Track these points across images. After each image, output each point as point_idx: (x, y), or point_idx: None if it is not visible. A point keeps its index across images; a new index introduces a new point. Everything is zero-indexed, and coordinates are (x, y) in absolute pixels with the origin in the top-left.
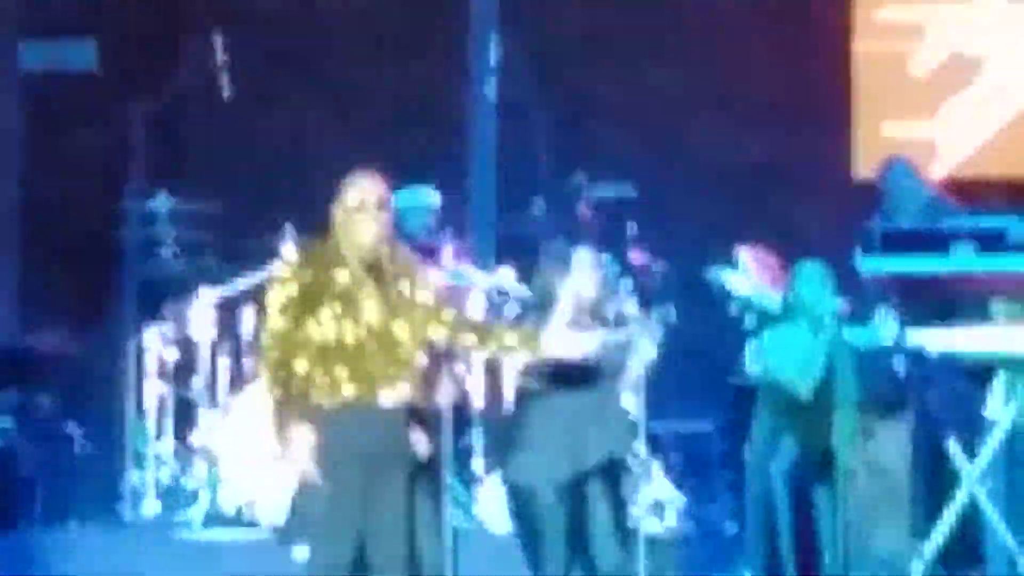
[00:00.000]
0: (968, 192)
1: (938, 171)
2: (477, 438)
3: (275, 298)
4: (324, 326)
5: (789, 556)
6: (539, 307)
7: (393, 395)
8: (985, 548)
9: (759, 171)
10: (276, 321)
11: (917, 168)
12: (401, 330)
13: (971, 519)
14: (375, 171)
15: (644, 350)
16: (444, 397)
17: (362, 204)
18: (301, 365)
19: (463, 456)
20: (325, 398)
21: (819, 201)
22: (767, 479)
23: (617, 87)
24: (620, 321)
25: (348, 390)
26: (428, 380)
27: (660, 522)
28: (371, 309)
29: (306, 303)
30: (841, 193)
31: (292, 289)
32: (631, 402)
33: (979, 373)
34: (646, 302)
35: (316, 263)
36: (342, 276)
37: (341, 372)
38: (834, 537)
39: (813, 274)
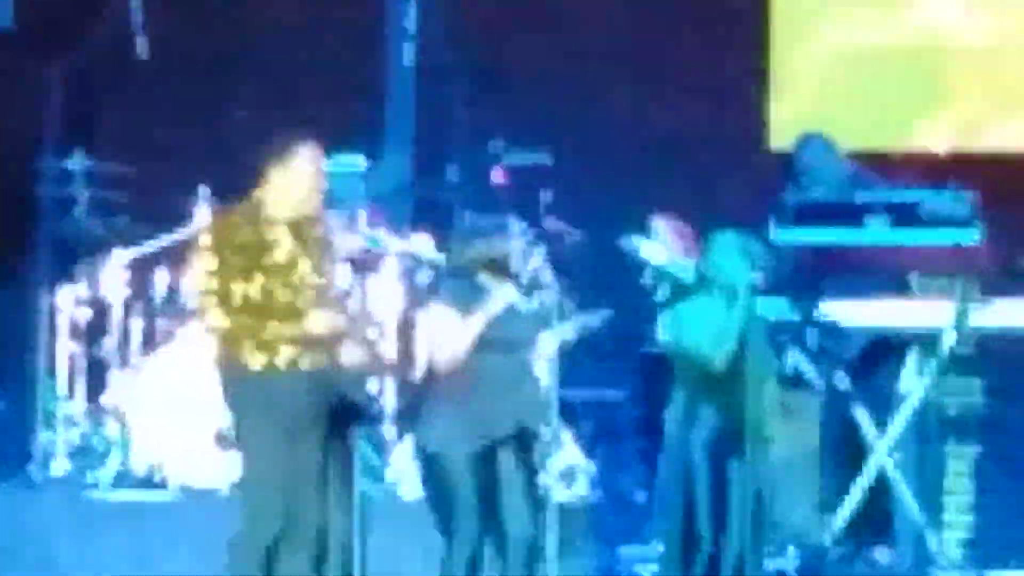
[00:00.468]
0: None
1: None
2: (389, 402)
3: (207, 258)
4: (254, 285)
5: (707, 527)
6: (453, 276)
7: (317, 358)
8: (893, 522)
9: (675, 140)
10: (209, 281)
11: (834, 143)
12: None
13: (880, 492)
14: (312, 140)
15: (563, 331)
16: (354, 359)
17: (306, 171)
18: (233, 322)
19: (375, 421)
20: (257, 360)
21: (735, 171)
22: (686, 449)
23: (535, 54)
24: (534, 287)
25: (284, 352)
26: (341, 342)
27: (570, 490)
28: (303, 270)
29: (236, 262)
30: (757, 163)
31: (223, 249)
32: (543, 370)
33: (892, 347)
34: (560, 270)
35: (244, 223)
36: (272, 236)
37: (274, 333)
38: (744, 509)
39: (728, 244)
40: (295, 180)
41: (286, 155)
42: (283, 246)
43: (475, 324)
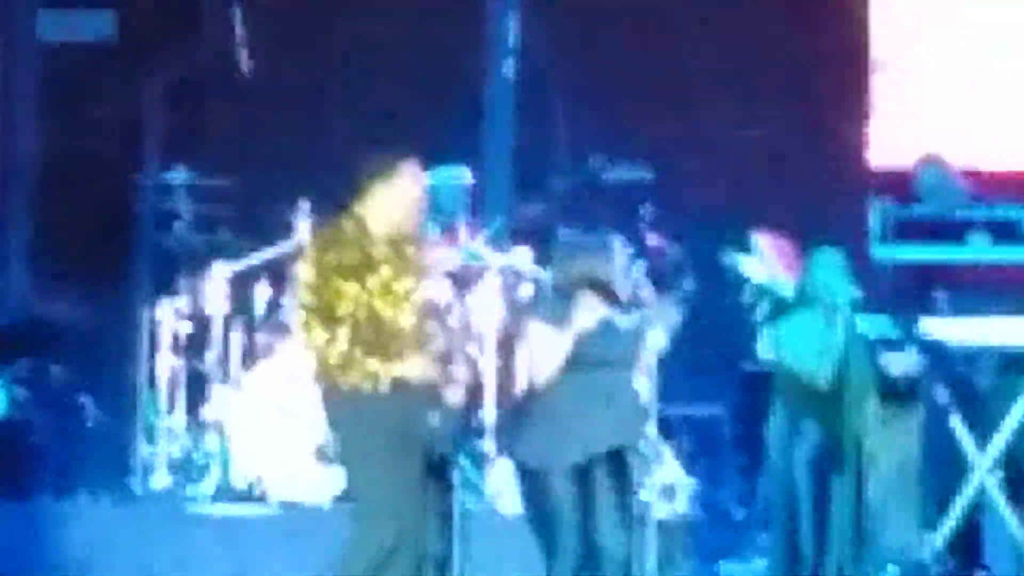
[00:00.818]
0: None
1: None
2: (488, 418)
3: (309, 273)
4: (357, 303)
5: (809, 543)
6: (553, 293)
7: (423, 375)
8: (994, 540)
9: (777, 156)
10: (310, 297)
11: (949, 169)
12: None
13: (982, 511)
14: (414, 157)
15: (657, 336)
16: (457, 378)
17: (408, 188)
18: (335, 344)
19: (474, 436)
20: (366, 381)
21: (837, 187)
22: (789, 466)
23: (636, 67)
24: (634, 304)
25: (389, 371)
26: (443, 360)
27: (670, 506)
28: (405, 288)
29: (339, 279)
30: (858, 179)
31: (326, 265)
32: (643, 386)
33: (996, 364)
34: (660, 285)
35: (347, 239)
36: (375, 253)
37: (378, 352)
38: (845, 526)
39: (829, 261)
40: (397, 197)
41: (389, 172)
42: (385, 263)
43: (566, 340)
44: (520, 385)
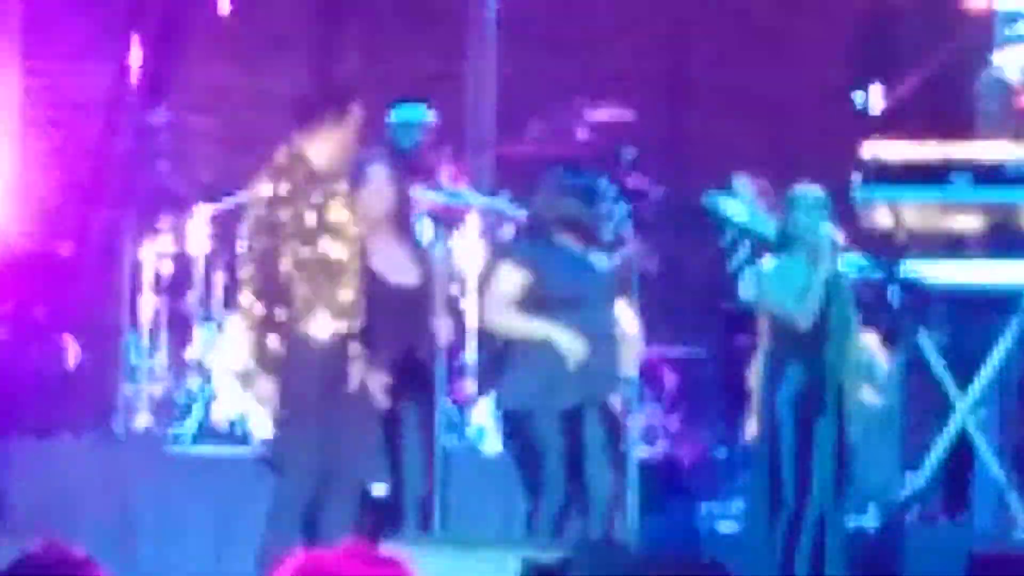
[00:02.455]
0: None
1: None
2: (470, 358)
3: (260, 195)
4: (309, 237)
5: (791, 484)
6: (530, 235)
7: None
8: (974, 481)
9: (759, 96)
10: (261, 224)
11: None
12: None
13: (962, 451)
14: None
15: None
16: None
17: (352, 133)
18: (291, 282)
19: (455, 376)
20: (314, 325)
21: (819, 127)
22: (771, 407)
23: (618, 6)
24: (617, 244)
25: (343, 314)
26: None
27: (651, 447)
28: (350, 225)
29: (290, 208)
30: (842, 118)
31: (279, 187)
32: (628, 324)
33: (976, 305)
34: (641, 228)
35: (286, 170)
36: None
37: (333, 294)
38: (827, 467)
39: (811, 202)
40: (343, 137)
41: (340, 111)
42: (327, 197)
43: (532, 328)
44: (491, 327)
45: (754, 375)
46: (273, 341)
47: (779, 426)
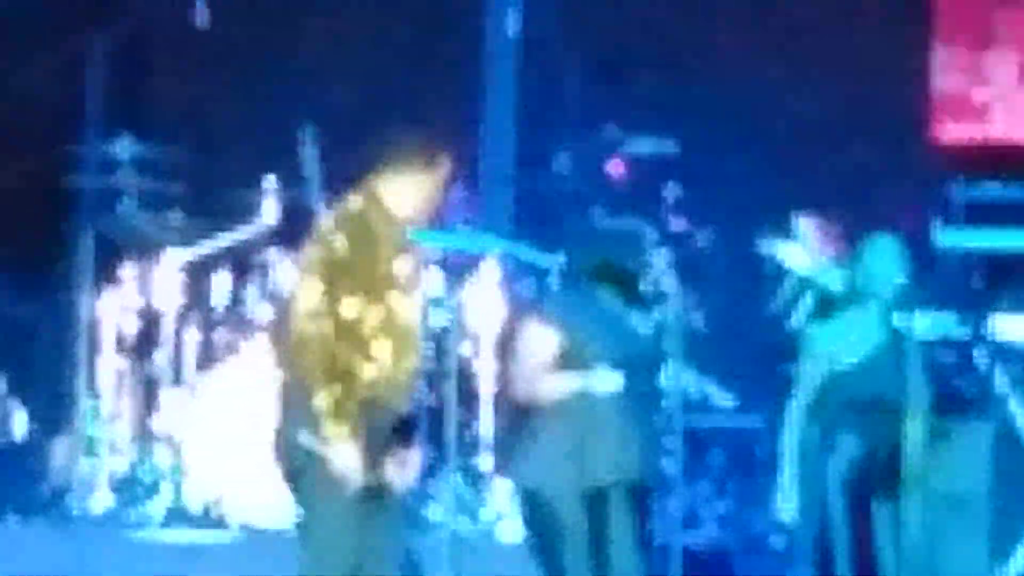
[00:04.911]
0: None
1: None
2: (485, 431)
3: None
4: (363, 306)
5: (844, 572)
6: (564, 287)
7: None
8: None
9: (823, 127)
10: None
11: None
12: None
13: None
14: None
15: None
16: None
17: (440, 183)
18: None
19: (468, 451)
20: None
21: (894, 164)
22: (822, 483)
23: (658, 26)
24: (656, 299)
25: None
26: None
27: (696, 533)
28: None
29: (347, 276)
30: (920, 156)
31: (334, 254)
32: (665, 395)
33: None
34: (687, 277)
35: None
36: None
37: (385, 364)
38: (898, 556)
39: (884, 249)
40: (429, 185)
41: (428, 156)
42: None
43: (569, 386)
44: (520, 395)
45: (788, 446)
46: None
47: (828, 508)
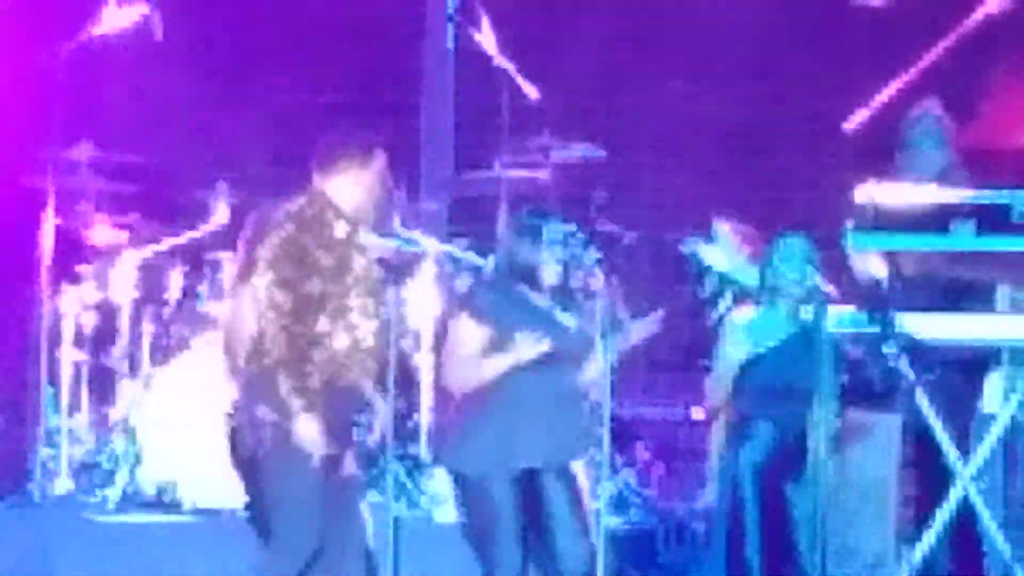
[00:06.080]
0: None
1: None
2: (424, 420)
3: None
4: (318, 294)
5: (754, 557)
6: (492, 284)
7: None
8: (979, 554)
9: (741, 134)
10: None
11: (945, 127)
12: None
13: (964, 523)
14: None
15: (617, 342)
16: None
17: (381, 176)
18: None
19: (408, 440)
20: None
21: (807, 169)
22: (735, 469)
23: (587, 37)
24: (586, 297)
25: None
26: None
27: (623, 518)
28: (363, 272)
29: (301, 266)
30: (833, 161)
31: (288, 246)
32: (593, 386)
33: (979, 364)
34: (613, 276)
35: (312, 216)
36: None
37: (341, 347)
38: (812, 538)
39: (794, 248)
40: (372, 180)
41: (367, 153)
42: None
43: (497, 365)
44: (451, 384)
45: (715, 434)
46: (312, 380)
47: (741, 491)
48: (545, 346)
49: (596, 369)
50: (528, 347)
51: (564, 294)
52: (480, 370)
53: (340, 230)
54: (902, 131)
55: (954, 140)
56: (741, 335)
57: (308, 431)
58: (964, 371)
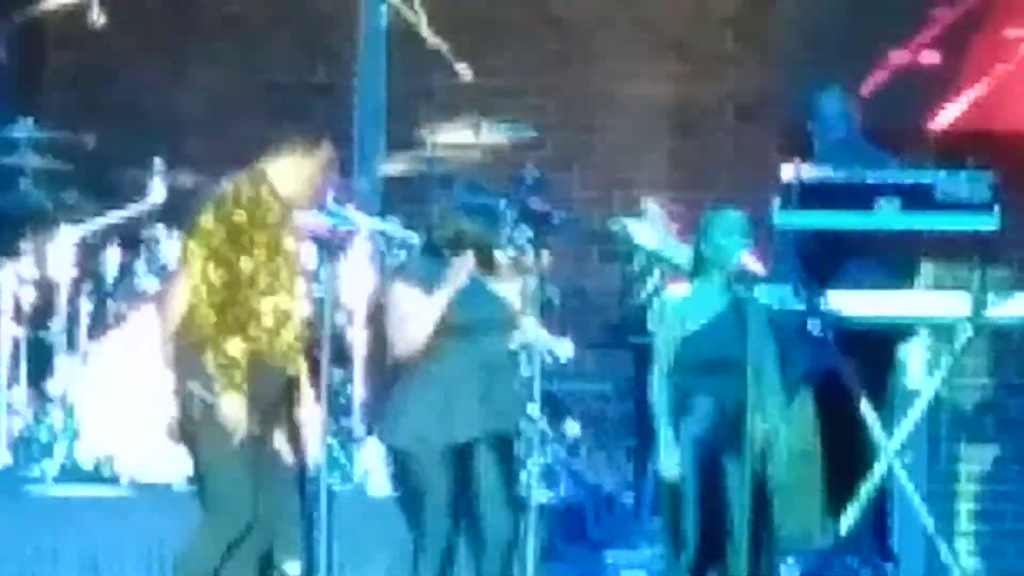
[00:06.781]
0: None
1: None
2: (357, 394)
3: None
4: (251, 272)
5: (693, 526)
6: (424, 255)
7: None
8: (901, 526)
9: (670, 113)
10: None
11: (849, 98)
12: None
13: (888, 497)
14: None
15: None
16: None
17: (325, 170)
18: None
19: (341, 414)
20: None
21: (735, 146)
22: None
23: (520, 15)
24: (515, 272)
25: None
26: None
27: (552, 491)
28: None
29: (235, 245)
30: (762, 139)
31: (224, 225)
32: (524, 360)
33: (903, 340)
34: (543, 252)
35: (252, 197)
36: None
37: (270, 327)
38: (742, 511)
39: (729, 223)
40: (313, 171)
41: (312, 144)
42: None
43: (436, 302)
44: (388, 358)
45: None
46: (239, 357)
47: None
48: (472, 267)
49: (523, 337)
50: (460, 272)
51: (495, 267)
52: (422, 319)
53: (276, 213)
54: (812, 105)
55: (858, 109)
56: (677, 312)
57: (232, 408)
58: (886, 347)
